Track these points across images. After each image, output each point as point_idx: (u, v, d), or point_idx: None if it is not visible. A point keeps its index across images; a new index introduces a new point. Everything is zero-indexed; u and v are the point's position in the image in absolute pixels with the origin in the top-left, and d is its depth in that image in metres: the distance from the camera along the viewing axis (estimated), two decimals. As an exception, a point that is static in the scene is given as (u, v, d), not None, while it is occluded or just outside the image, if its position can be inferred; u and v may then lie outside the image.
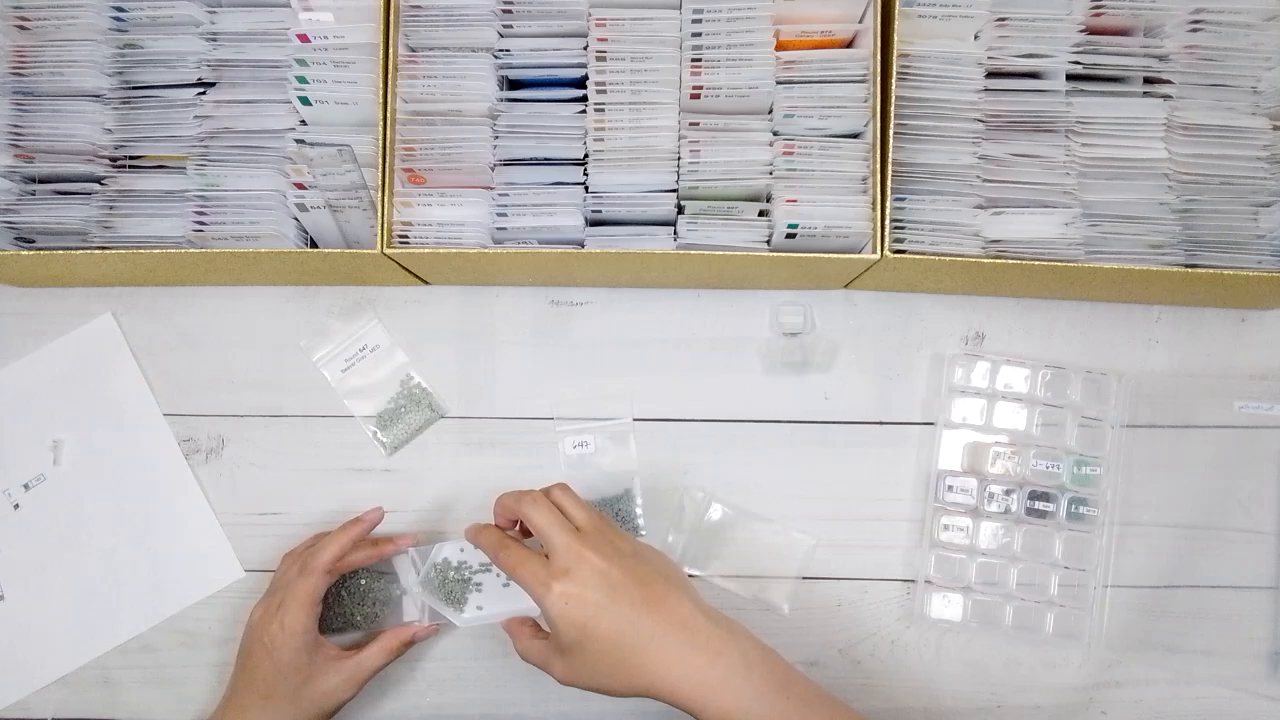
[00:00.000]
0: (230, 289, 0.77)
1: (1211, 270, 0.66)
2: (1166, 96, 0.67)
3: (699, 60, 0.66)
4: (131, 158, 0.70)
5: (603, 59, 0.67)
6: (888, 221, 0.65)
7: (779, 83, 0.66)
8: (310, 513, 0.74)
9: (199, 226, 0.68)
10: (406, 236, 0.67)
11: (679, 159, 0.67)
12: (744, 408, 0.75)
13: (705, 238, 0.67)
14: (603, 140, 0.67)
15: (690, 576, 0.73)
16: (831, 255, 0.66)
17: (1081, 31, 0.67)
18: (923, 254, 0.66)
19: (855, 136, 0.68)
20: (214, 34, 0.69)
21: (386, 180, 0.66)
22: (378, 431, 0.75)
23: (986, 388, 0.74)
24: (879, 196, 0.65)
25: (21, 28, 0.69)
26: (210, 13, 0.68)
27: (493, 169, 0.68)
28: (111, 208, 0.69)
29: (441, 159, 0.67)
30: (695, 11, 0.66)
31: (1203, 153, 0.67)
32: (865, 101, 0.66)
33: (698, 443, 0.75)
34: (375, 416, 0.75)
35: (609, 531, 0.59)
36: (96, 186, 0.69)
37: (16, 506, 0.74)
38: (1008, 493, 0.72)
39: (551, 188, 0.68)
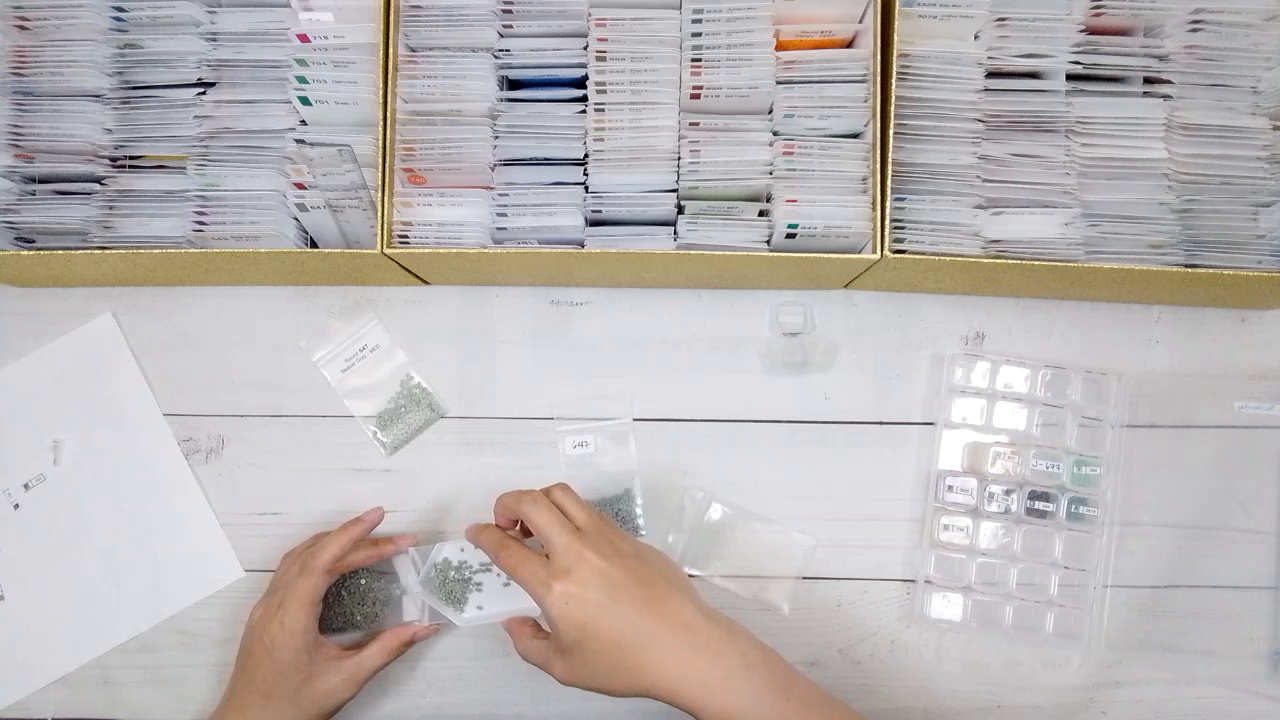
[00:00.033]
0: (230, 289, 0.77)
1: (1211, 270, 0.66)
2: (1166, 96, 0.67)
3: (699, 60, 0.66)
4: (131, 158, 0.70)
5: (603, 59, 0.67)
6: (888, 221, 0.65)
7: (779, 83, 0.66)
8: (310, 513, 0.74)
9: (199, 226, 0.68)
10: (406, 236, 0.67)
11: (679, 159, 0.67)
12: (744, 408, 0.75)
13: (705, 238, 0.67)
14: (603, 140, 0.67)
15: (690, 576, 0.73)
16: (831, 255, 0.66)
17: (1081, 31, 0.67)
18: (923, 254, 0.66)
19: (855, 136, 0.68)
20: (214, 34, 0.69)
21: (386, 180, 0.66)
22: (378, 431, 0.75)
23: (986, 388, 0.74)
24: (879, 196, 0.65)
25: (21, 28, 0.69)
26: (210, 13, 0.68)
27: (493, 169, 0.68)
28: (111, 208, 0.69)
29: (441, 159, 0.67)
30: (695, 11, 0.66)
31: (1203, 153, 0.67)
32: (865, 101, 0.66)
33: (698, 443, 0.75)
34: (375, 416, 0.75)
35: (609, 532, 0.59)
36: (96, 186, 0.69)
37: (16, 506, 0.74)
38: (1008, 493, 0.72)
39: (551, 188, 0.68)
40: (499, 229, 0.68)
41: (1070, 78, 0.67)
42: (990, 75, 0.67)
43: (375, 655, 0.66)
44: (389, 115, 0.66)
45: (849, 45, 0.68)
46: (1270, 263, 0.67)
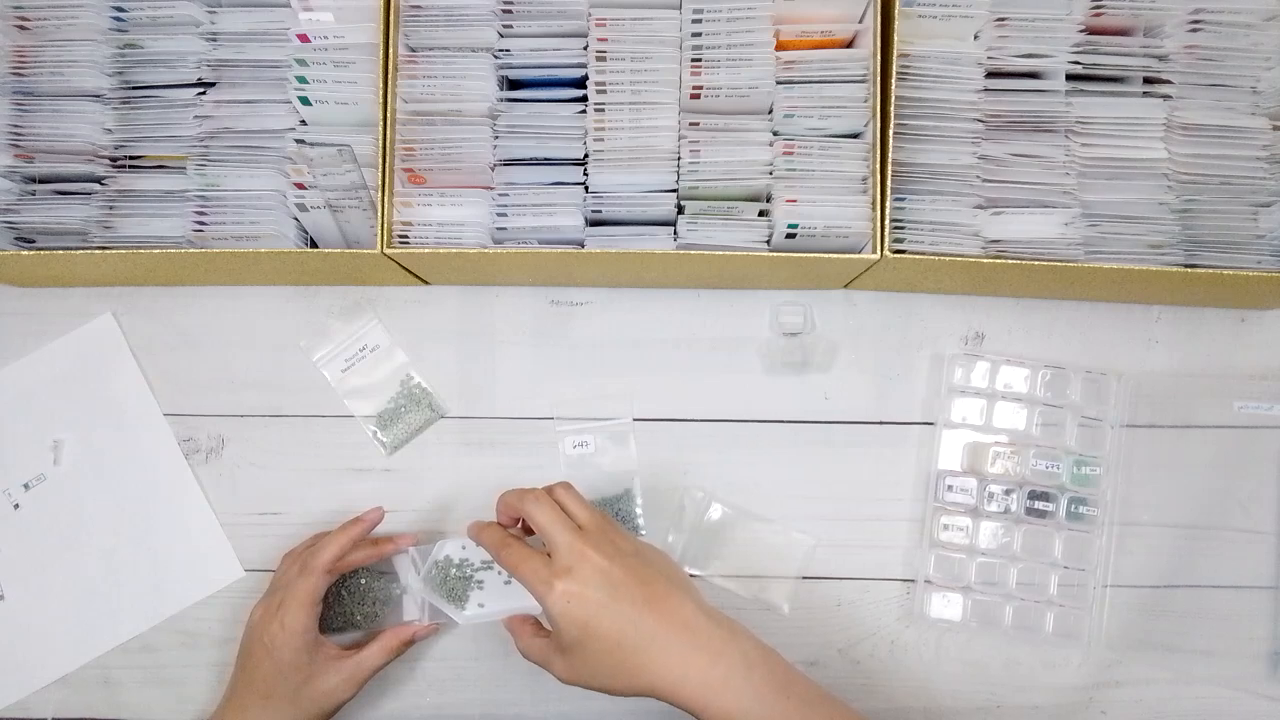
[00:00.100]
0: (230, 289, 0.77)
1: (1211, 270, 0.66)
2: (1166, 96, 0.67)
3: (699, 60, 0.66)
4: (131, 158, 0.70)
5: (603, 59, 0.67)
6: (888, 221, 0.65)
7: (779, 83, 0.67)
8: (310, 513, 0.74)
9: (199, 226, 0.68)
10: (406, 236, 0.67)
11: (679, 159, 0.67)
12: (744, 408, 0.75)
13: (705, 238, 0.67)
14: (603, 140, 0.67)
15: (690, 576, 0.73)
16: (831, 255, 0.66)
17: (1081, 31, 0.67)
18: (923, 254, 0.66)
19: (855, 136, 0.68)
20: (214, 34, 0.69)
21: (386, 180, 0.66)
22: (378, 431, 0.75)
23: (986, 388, 0.74)
24: (879, 196, 0.65)
25: (21, 28, 0.69)
26: (210, 13, 0.68)
27: (493, 169, 0.68)
28: (111, 208, 0.69)
29: (441, 159, 0.67)
30: (695, 11, 0.66)
31: (1202, 153, 0.67)
32: (865, 101, 0.66)
33: (698, 443, 0.75)
34: (375, 416, 0.75)
35: (611, 531, 0.59)
36: (96, 186, 0.69)
37: (16, 506, 0.74)
38: (1007, 493, 0.72)
39: (551, 188, 0.68)
40: (499, 229, 0.68)
41: (1070, 78, 0.67)
42: (990, 75, 0.67)
43: (375, 655, 0.66)
44: (389, 115, 0.66)
45: (849, 45, 0.68)
46: (1270, 263, 0.67)
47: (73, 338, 0.76)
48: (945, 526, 0.72)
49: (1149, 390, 0.74)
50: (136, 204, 0.69)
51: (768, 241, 0.67)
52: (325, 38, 0.67)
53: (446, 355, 0.76)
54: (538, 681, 0.69)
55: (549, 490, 0.61)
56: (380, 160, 0.66)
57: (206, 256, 0.68)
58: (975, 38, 0.67)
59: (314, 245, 0.72)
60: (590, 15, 0.67)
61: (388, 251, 0.66)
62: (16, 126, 0.69)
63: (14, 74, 0.68)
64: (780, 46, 0.67)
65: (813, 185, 0.67)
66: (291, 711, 0.63)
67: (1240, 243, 0.67)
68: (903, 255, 0.66)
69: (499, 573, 0.66)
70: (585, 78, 0.67)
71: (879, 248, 0.65)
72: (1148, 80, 0.68)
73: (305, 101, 0.67)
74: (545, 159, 0.68)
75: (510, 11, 0.67)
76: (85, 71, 0.68)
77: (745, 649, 0.55)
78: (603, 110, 0.67)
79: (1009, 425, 0.73)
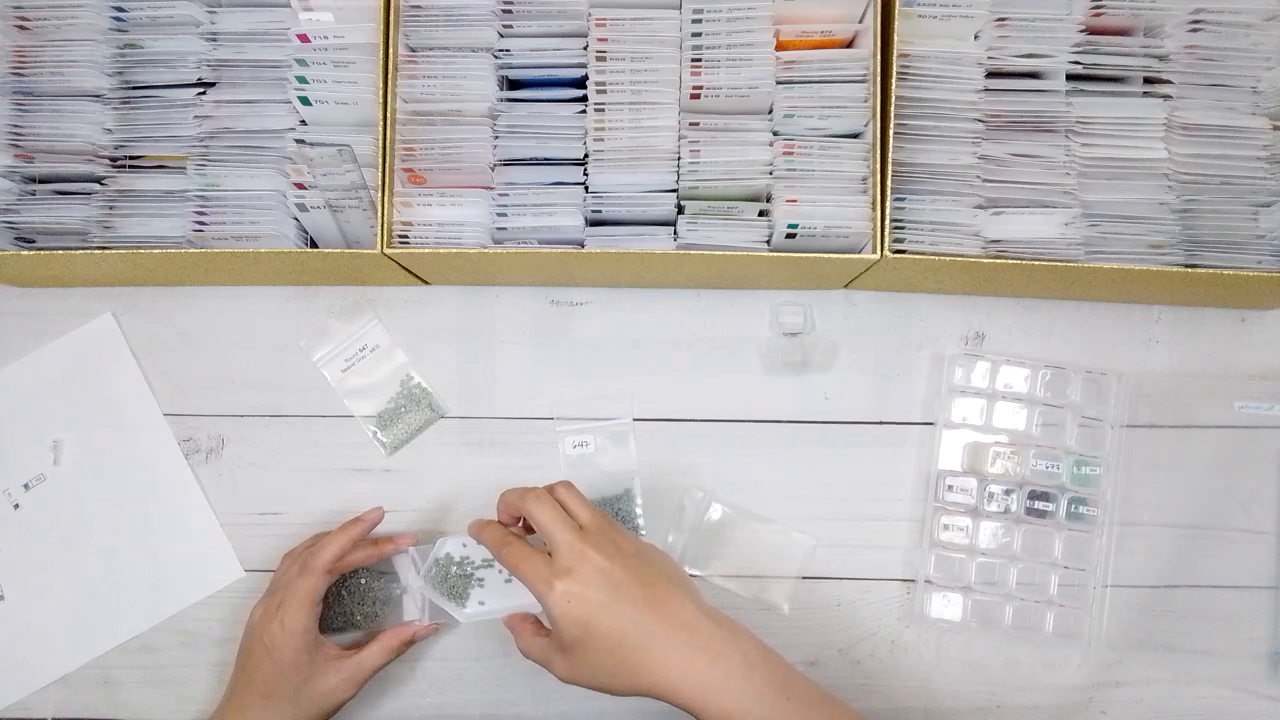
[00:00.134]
0: (230, 289, 0.77)
1: (1211, 270, 0.66)
2: (1166, 96, 0.67)
3: (699, 60, 0.66)
4: (131, 158, 0.70)
5: (603, 59, 0.67)
6: (888, 221, 0.65)
7: (779, 83, 0.67)
8: (310, 513, 0.74)
9: (199, 226, 0.68)
10: (406, 236, 0.67)
11: (679, 159, 0.67)
12: (744, 408, 0.75)
13: (705, 238, 0.67)
14: (603, 140, 0.67)
15: (690, 576, 0.73)
16: (831, 255, 0.66)
17: (1081, 31, 0.67)
18: (923, 254, 0.66)
19: (855, 136, 0.68)
20: (214, 34, 0.69)
21: (386, 180, 0.66)
22: (378, 431, 0.75)
23: (986, 388, 0.74)
24: (879, 196, 0.65)
25: (21, 28, 0.69)
26: (210, 13, 0.68)
27: (493, 169, 0.68)
28: (111, 208, 0.69)
29: (441, 159, 0.67)
30: (695, 11, 0.66)
31: (1203, 153, 0.67)
32: (865, 101, 0.66)
33: (698, 443, 0.75)
34: (375, 416, 0.75)
35: (612, 530, 0.59)
36: (96, 186, 0.69)
37: (16, 506, 0.74)
38: (1008, 493, 0.72)
39: (551, 188, 0.68)
40: (499, 229, 0.68)
41: (1070, 78, 0.67)
42: (990, 75, 0.67)
43: (375, 655, 0.66)
44: (389, 115, 0.66)
45: (849, 45, 0.68)
46: (1270, 263, 0.67)
47: (73, 338, 0.76)
48: (945, 526, 0.72)
49: (1149, 390, 0.74)
50: (136, 204, 0.69)
51: (768, 241, 0.67)
52: (325, 38, 0.67)
53: (446, 355, 0.76)
54: (538, 681, 0.69)
55: (550, 489, 0.61)
56: (380, 160, 0.66)
57: (206, 256, 0.68)
58: (975, 38, 0.67)
59: (314, 245, 0.72)
60: (590, 15, 0.67)
61: (388, 251, 0.66)
62: (16, 126, 0.69)
63: (14, 74, 0.68)
64: (780, 46, 0.67)
65: (813, 185, 0.67)
66: (291, 711, 0.63)
67: (1240, 243, 0.67)
68: (903, 255, 0.66)
69: (500, 571, 0.66)
70: (585, 78, 0.67)
71: (879, 248, 0.65)
72: (1148, 80, 0.68)
73: (305, 101, 0.67)
74: (545, 159, 0.68)
75: (510, 11, 0.67)
76: (85, 71, 0.68)
77: (745, 649, 0.55)
78: (603, 110, 0.67)
79: (1009, 425, 0.73)
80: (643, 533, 0.73)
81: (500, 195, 0.68)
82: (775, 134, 0.67)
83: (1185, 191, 0.67)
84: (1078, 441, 0.73)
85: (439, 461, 0.75)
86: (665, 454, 0.75)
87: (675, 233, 0.67)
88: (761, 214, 0.67)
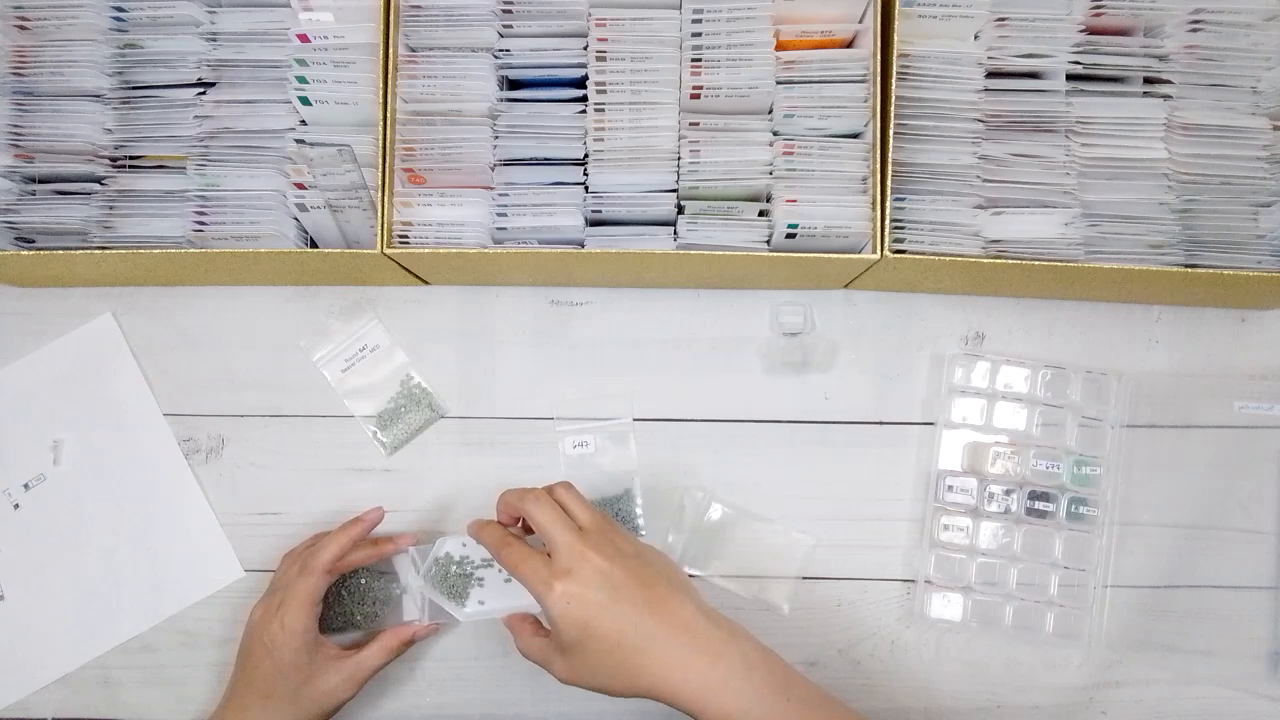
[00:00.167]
0: (230, 289, 0.77)
1: (1211, 270, 0.66)
2: (1166, 96, 0.67)
3: (699, 60, 0.66)
4: (131, 158, 0.70)
5: (603, 59, 0.67)
6: (888, 221, 0.65)
7: (779, 83, 0.66)
8: (310, 513, 0.74)
9: (199, 226, 0.68)
10: (406, 236, 0.67)
11: (679, 159, 0.67)
12: (744, 408, 0.75)
13: (705, 238, 0.67)
14: (603, 140, 0.67)
15: (690, 576, 0.73)
16: (831, 255, 0.66)
17: (1081, 31, 0.67)
18: (923, 254, 0.66)
19: (855, 136, 0.68)
20: (214, 34, 0.69)
21: (386, 180, 0.66)
22: (378, 431, 0.75)
23: (986, 388, 0.74)
24: (879, 196, 0.65)
25: (21, 28, 0.69)
26: (210, 13, 0.68)
27: (493, 169, 0.68)
28: (111, 208, 0.69)
29: (441, 159, 0.67)
30: (695, 11, 0.66)
31: (1203, 153, 0.67)
32: (865, 101, 0.66)
33: (698, 443, 0.75)
34: (375, 416, 0.75)
35: (611, 531, 0.59)
36: (96, 186, 0.69)
37: (16, 506, 0.74)
38: (1008, 493, 0.72)
39: (551, 188, 0.68)
40: (499, 229, 0.68)
41: (1070, 78, 0.67)
42: (990, 75, 0.67)
43: (375, 655, 0.66)
44: (389, 115, 0.66)
45: (849, 45, 0.68)
46: (1270, 263, 0.67)
47: (73, 338, 0.76)
48: (945, 526, 0.72)
49: (1149, 390, 0.74)
50: (136, 204, 0.69)
51: (768, 241, 0.67)
52: (325, 38, 0.67)
53: (446, 355, 0.76)
54: (538, 681, 0.69)
55: (550, 490, 0.61)
56: (380, 160, 0.66)
57: (206, 256, 0.68)
58: (975, 38, 0.67)
59: (314, 245, 0.72)
60: (590, 15, 0.67)
61: (388, 251, 0.66)
62: (16, 126, 0.69)
63: (14, 74, 0.68)
64: (780, 46, 0.67)
65: (813, 185, 0.67)
66: (291, 711, 0.63)
67: (1240, 243, 0.67)
68: (903, 255, 0.66)
69: (499, 570, 0.66)
70: (585, 78, 0.67)
71: (879, 248, 0.65)
72: (1148, 80, 0.68)
73: (305, 101, 0.67)
74: (545, 159, 0.68)
75: (510, 11, 0.67)
76: (85, 71, 0.68)
77: (745, 650, 0.55)
78: (603, 110, 0.67)
79: (1009, 425, 0.73)
80: (643, 533, 0.73)
81: (500, 195, 0.68)
82: (775, 134, 0.67)
83: (1185, 191, 0.67)
84: (1078, 441, 0.73)
85: (439, 461, 0.75)
86: (665, 454, 0.75)
87: (675, 233, 0.67)
88: (761, 214, 0.67)
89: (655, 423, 0.75)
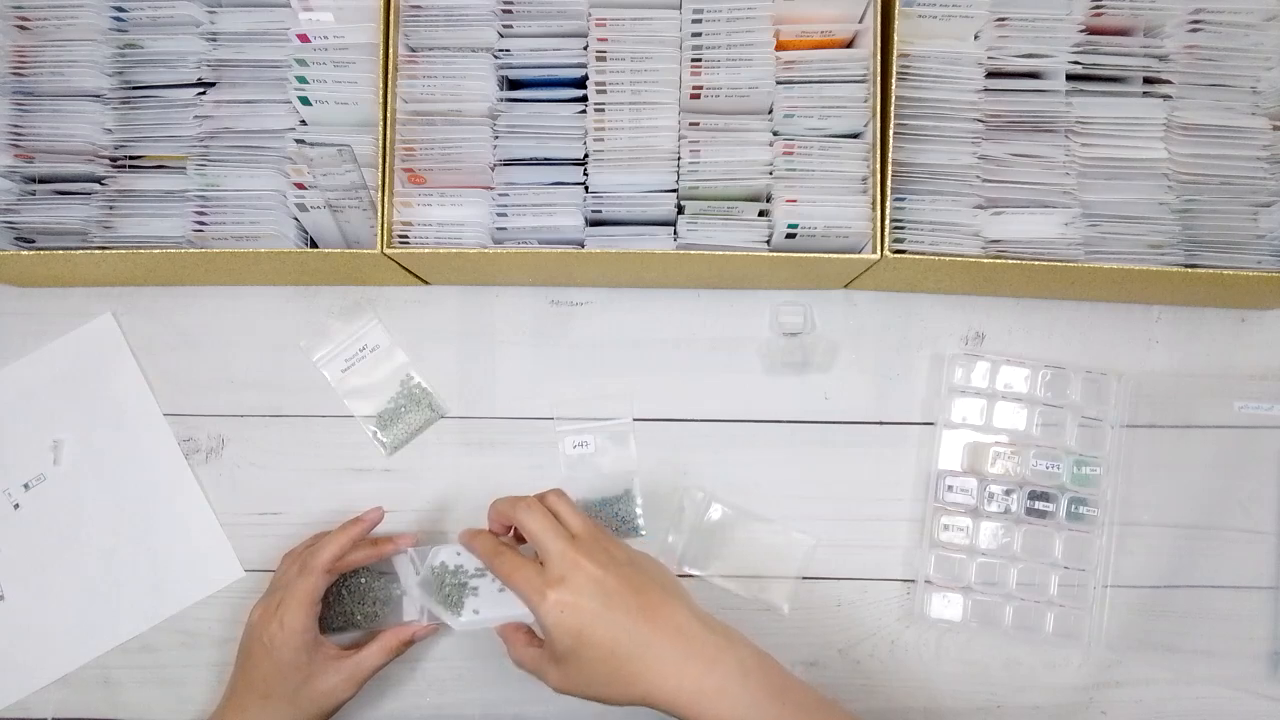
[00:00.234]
0: (230, 289, 0.77)
1: (1211, 270, 0.66)
2: (1166, 96, 0.67)
3: (699, 60, 0.66)
4: (131, 158, 0.70)
5: (603, 59, 0.67)
6: (888, 221, 0.65)
7: (779, 83, 0.66)
8: (310, 513, 0.74)
9: (199, 226, 0.68)
10: (406, 236, 0.67)
11: (679, 159, 0.67)
12: (744, 408, 0.75)
13: (705, 238, 0.67)
14: (603, 140, 0.67)
15: (690, 577, 0.73)
16: (831, 255, 0.66)
17: (1081, 31, 0.67)
18: (923, 254, 0.66)
19: (855, 136, 0.68)
20: (214, 34, 0.69)
21: (386, 180, 0.66)
22: (378, 431, 0.75)
23: (986, 388, 0.74)
24: (879, 196, 0.65)
25: (21, 28, 0.69)
26: (210, 13, 0.68)
27: (493, 169, 0.68)
28: (111, 208, 0.69)
29: (441, 159, 0.67)
30: (695, 11, 0.66)
31: (1203, 153, 0.67)
32: (865, 101, 0.66)
33: (698, 443, 0.75)
34: (375, 416, 0.75)
35: (603, 539, 0.59)
36: (96, 186, 0.69)
37: (16, 506, 0.74)
38: (1008, 493, 0.72)
39: (551, 188, 0.68)
40: (499, 229, 0.68)
41: (1070, 78, 0.67)
42: (990, 75, 0.67)
43: (375, 655, 0.66)
44: (389, 115, 0.66)
45: (849, 45, 0.68)
46: (1270, 263, 0.67)
47: (73, 338, 0.76)
48: (945, 526, 0.72)
49: (1149, 390, 0.74)
50: (136, 204, 0.69)
51: (768, 241, 0.67)
52: (325, 38, 0.67)
53: (446, 355, 0.76)
54: (537, 682, 0.69)
55: (541, 497, 0.61)
56: (380, 160, 0.66)
57: (206, 256, 0.68)
58: (975, 38, 0.67)
59: (314, 245, 0.72)
60: (590, 15, 0.67)
61: (388, 251, 0.66)
62: (16, 126, 0.69)
63: (14, 74, 0.68)
64: (780, 46, 0.67)
65: (813, 185, 0.67)
66: (291, 711, 0.63)
67: (1240, 243, 0.67)
68: (903, 255, 0.66)
69: (493, 580, 0.66)
70: (585, 78, 0.67)
71: (879, 248, 0.65)
72: (1148, 80, 0.68)
73: (305, 101, 0.67)
74: (545, 159, 0.68)
75: (510, 11, 0.67)
76: (85, 71, 0.68)
77: (741, 656, 0.55)
78: (603, 110, 0.67)
79: (1009, 425, 0.73)
80: (643, 534, 0.73)
81: (500, 195, 0.68)
82: (775, 134, 0.67)
83: (1185, 191, 0.67)
84: (1078, 441, 0.73)
85: (439, 461, 0.75)
86: (665, 454, 0.75)
87: (675, 233, 0.67)
88: (761, 214, 0.67)
89: (655, 423, 0.75)
